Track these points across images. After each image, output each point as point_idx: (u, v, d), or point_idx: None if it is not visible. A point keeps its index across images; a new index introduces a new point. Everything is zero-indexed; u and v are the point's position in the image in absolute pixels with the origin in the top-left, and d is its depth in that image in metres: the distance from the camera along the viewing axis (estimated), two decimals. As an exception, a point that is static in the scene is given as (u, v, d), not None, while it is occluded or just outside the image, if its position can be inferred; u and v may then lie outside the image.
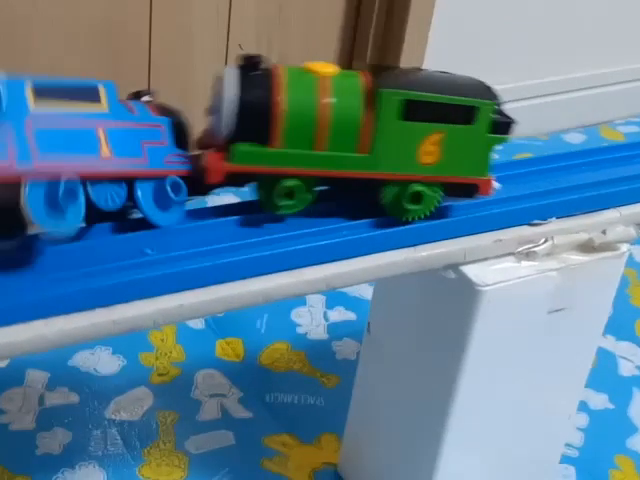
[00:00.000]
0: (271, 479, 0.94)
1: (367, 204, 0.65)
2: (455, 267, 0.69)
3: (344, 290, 1.25)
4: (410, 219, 0.64)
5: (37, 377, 1.04)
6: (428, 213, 0.65)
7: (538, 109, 1.81)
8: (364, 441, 0.91)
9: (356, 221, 0.65)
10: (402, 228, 0.65)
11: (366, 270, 0.65)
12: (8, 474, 0.91)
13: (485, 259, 0.70)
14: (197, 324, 1.16)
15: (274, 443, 0.99)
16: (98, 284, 0.55)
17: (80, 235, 0.58)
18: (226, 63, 1.45)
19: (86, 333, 0.56)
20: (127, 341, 1.11)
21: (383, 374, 0.85)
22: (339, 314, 1.20)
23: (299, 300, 1.22)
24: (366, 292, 1.24)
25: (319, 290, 0.64)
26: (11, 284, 0.54)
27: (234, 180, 0.61)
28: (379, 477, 0.89)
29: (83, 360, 1.07)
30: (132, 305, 0.56)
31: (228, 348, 1.12)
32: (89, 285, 0.55)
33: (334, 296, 1.23)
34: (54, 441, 0.96)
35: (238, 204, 0.66)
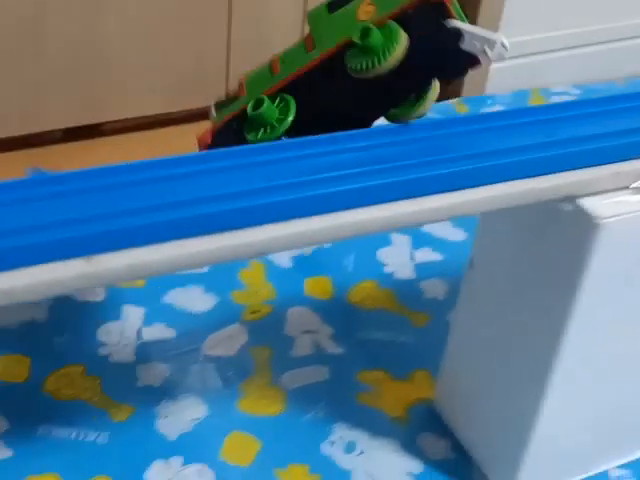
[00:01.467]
0: (367, 413, 0.95)
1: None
2: (572, 199, 0.69)
3: (430, 231, 1.25)
4: (383, 58, 0.63)
5: (133, 312, 1.06)
6: (395, 47, 0.63)
7: (613, 53, 1.78)
8: (461, 379, 0.91)
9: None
10: (520, 159, 0.65)
11: (484, 200, 0.65)
12: (113, 403, 0.93)
13: (601, 192, 0.69)
14: (285, 263, 1.17)
15: (367, 379, 1.00)
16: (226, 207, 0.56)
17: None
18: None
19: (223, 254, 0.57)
20: (219, 279, 1.12)
21: (485, 311, 0.85)
22: (425, 254, 1.20)
23: (384, 240, 1.22)
24: (452, 233, 1.24)
25: (440, 219, 0.64)
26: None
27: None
28: (477, 416, 0.89)
29: (177, 297, 1.09)
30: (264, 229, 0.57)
31: (316, 286, 1.13)
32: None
33: (420, 237, 1.23)
34: (154, 374, 0.98)
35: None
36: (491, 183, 0.65)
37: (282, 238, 0.59)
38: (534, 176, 0.66)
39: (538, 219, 0.73)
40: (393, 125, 0.69)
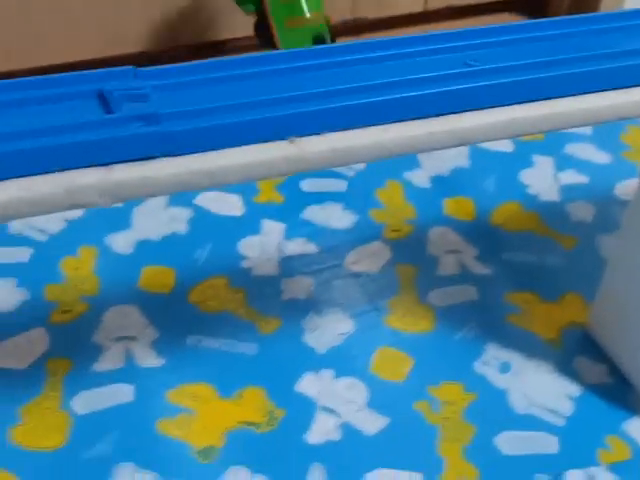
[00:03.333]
0: (518, 334, 0.92)
1: None
2: None
3: (573, 153, 1.19)
4: None
5: (273, 227, 1.04)
6: None
7: None
8: (620, 306, 0.87)
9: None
10: None
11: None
12: (259, 316, 0.91)
13: None
14: (423, 183, 1.13)
15: (516, 300, 0.96)
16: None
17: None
18: None
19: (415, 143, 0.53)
20: (356, 198, 1.09)
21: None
22: (570, 176, 1.16)
23: (525, 161, 1.18)
24: (596, 156, 1.19)
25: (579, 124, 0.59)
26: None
27: None
28: (636, 343, 0.85)
29: (315, 214, 1.06)
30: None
31: (457, 207, 1.09)
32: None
33: (563, 158, 1.18)
34: (298, 287, 0.96)
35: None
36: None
37: (484, 127, 0.55)
38: None
39: None
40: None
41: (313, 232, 1.03)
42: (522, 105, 0.56)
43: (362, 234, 1.04)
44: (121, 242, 0.99)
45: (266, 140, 0.50)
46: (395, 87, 0.53)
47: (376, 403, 0.84)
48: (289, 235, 1.02)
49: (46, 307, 0.90)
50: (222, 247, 1.00)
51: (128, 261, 0.97)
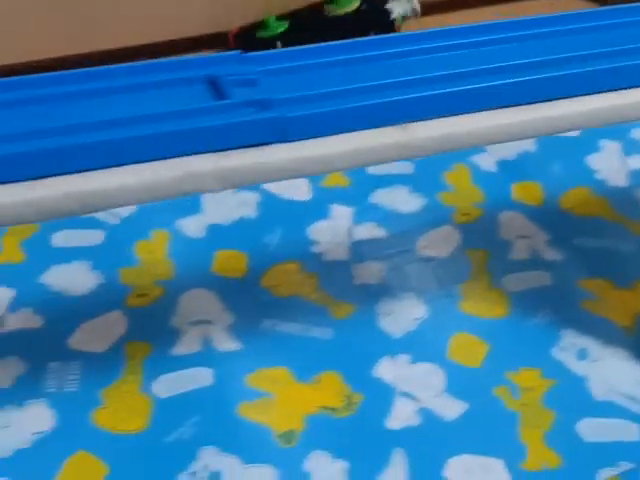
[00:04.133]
0: (593, 320, 0.91)
1: None
2: None
3: (641, 137, 1.18)
4: None
5: (342, 212, 1.03)
6: None
7: None
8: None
9: None
10: None
11: None
12: (333, 300, 0.91)
13: None
14: (490, 167, 1.12)
15: (589, 286, 0.95)
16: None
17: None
18: None
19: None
20: (424, 181, 1.09)
21: None
22: (639, 162, 1.14)
23: (592, 146, 1.16)
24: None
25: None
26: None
27: None
28: None
29: (383, 198, 1.06)
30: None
31: (525, 191, 1.08)
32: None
33: (630, 143, 1.17)
34: (370, 272, 0.95)
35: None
36: None
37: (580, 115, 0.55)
38: None
39: None
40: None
41: (382, 216, 1.03)
42: (615, 92, 0.55)
43: (431, 218, 1.03)
44: (192, 226, 0.99)
45: (377, 126, 0.49)
46: (500, 72, 0.52)
47: (454, 388, 0.83)
48: (358, 219, 1.02)
49: (122, 290, 0.90)
50: (292, 232, 1.00)
51: (200, 245, 0.97)
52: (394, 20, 1.16)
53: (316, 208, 1.04)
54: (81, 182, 0.45)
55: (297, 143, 0.49)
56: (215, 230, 0.99)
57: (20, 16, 1.16)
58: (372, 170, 1.09)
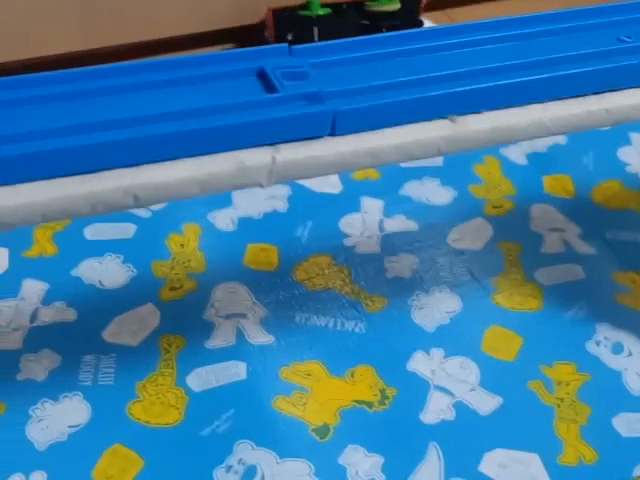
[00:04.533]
0: (629, 314, 0.91)
1: None
2: None
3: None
4: None
5: (372, 204, 1.03)
6: None
7: None
8: None
9: None
10: None
11: None
12: (365, 294, 0.91)
13: None
14: (520, 159, 1.11)
15: (623, 280, 0.95)
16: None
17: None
18: None
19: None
20: (454, 173, 1.08)
21: None
22: (671, 153, 1.13)
23: (623, 139, 1.15)
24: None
25: None
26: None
27: None
28: None
29: (413, 190, 1.05)
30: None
31: (556, 184, 1.08)
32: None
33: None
34: (402, 265, 0.95)
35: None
36: None
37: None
38: None
39: None
40: None
41: (412, 208, 1.02)
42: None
43: (462, 210, 1.03)
44: (223, 219, 0.99)
45: (427, 119, 0.49)
46: (552, 64, 0.52)
47: (489, 382, 0.83)
48: (389, 212, 1.02)
49: (155, 283, 0.90)
50: (323, 225, 1.00)
51: (232, 238, 0.97)
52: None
53: (347, 201, 1.03)
54: (135, 176, 0.45)
55: (347, 137, 0.49)
56: (246, 223, 0.99)
57: (42, 10, 1.16)
58: (402, 163, 1.08)
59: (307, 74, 0.50)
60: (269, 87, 0.49)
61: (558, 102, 0.52)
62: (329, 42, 0.52)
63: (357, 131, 0.49)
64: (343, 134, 0.48)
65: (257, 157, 0.47)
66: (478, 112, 0.50)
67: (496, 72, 0.51)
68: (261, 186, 0.46)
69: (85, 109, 0.47)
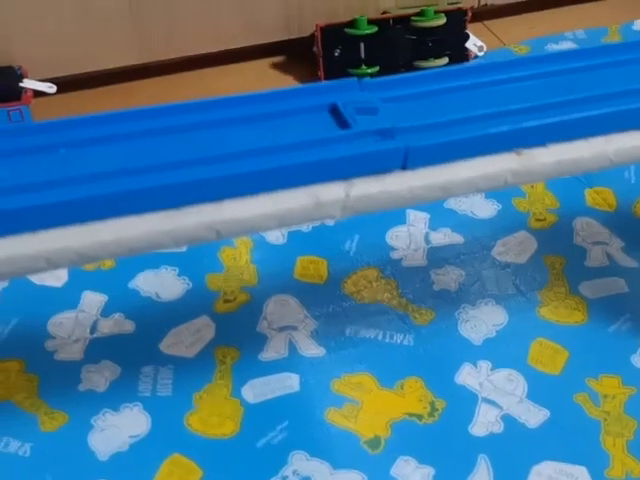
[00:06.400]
0: (673, 328, 0.92)
1: None
2: None
3: None
4: None
5: (418, 217, 1.05)
6: None
7: None
8: None
9: None
10: None
11: None
12: (412, 306, 0.93)
13: None
14: (562, 172, 1.13)
15: (667, 293, 0.96)
16: None
17: None
18: None
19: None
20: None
21: None
22: None
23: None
24: None
25: None
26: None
27: None
28: None
29: (458, 204, 1.07)
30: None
31: (599, 197, 1.09)
32: None
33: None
34: (448, 278, 0.97)
35: None
36: None
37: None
38: None
39: None
40: None
41: (457, 222, 1.04)
42: None
43: (506, 223, 1.05)
44: (273, 233, 1.01)
45: (494, 152, 0.51)
46: (616, 97, 0.53)
47: (536, 395, 0.85)
48: (434, 225, 1.04)
49: (209, 296, 0.93)
50: (370, 238, 1.02)
51: (282, 251, 0.99)
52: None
53: (393, 214, 1.05)
54: (217, 212, 0.47)
55: (419, 171, 0.51)
56: (295, 236, 1.01)
57: (102, 24, 1.19)
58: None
59: (378, 109, 0.52)
60: (342, 123, 0.51)
61: (621, 134, 0.53)
62: (398, 76, 0.54)
63: (428, 165, 0.51)
64: (414, 168, 0.50)
65: (331, 192, 0.49)
66: (543, 145, 0.52)
67: (561, 106, 0.53)
68: (334, 219, 0.49)
69: (165, 148, 0.49)
